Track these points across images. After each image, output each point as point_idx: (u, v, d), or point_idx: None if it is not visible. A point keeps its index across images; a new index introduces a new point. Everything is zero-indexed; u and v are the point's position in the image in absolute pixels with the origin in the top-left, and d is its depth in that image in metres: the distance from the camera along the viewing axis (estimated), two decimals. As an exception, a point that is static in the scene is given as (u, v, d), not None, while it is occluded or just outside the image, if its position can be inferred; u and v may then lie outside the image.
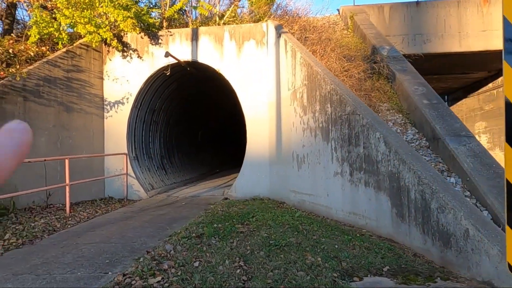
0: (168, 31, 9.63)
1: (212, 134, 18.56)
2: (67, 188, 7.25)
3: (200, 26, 9.89)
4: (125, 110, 9.68)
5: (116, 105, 9.70)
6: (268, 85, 9.12)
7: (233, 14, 10.51)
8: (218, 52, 9.45)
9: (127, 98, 9.67)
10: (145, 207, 8.01)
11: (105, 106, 9.75)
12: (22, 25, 13.47)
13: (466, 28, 15.26)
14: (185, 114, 13.84)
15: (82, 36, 9.38)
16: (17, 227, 6.09)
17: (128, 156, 9.55)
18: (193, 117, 15.12)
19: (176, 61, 9.41)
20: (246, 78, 9.31)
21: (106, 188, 9.60)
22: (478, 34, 15.30)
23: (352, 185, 5.82)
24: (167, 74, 9.51)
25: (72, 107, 8.87)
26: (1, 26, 12.01)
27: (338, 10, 16.17)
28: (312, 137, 7.04)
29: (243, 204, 7.79)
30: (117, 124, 9.69)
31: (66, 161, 7.24)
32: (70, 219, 6.87)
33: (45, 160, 6.84)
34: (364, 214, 5.56)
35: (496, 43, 14.52)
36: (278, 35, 8.62)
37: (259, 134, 9.25)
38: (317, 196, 6.89)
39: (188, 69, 9.86)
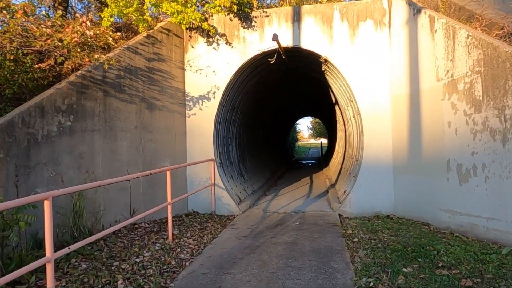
0: (263, 11, 7.94)
1: (268, 133, 16.91)
2: (169, 208, 5.66)
3: (301, 4, 8.17)
4: (211, 107, 8.05)
5: (200, 101, 8.08)
6: (393, 75, 7.35)
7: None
8: (326, 36, 7.71)
9: (214, 93, 8.04)
10: (255, 230, 6.37)
11: (187, 103, 8.14)
12: (72, 14, 12.03)
13: None
14: (256, 111, 12.20)
15: (162, 18, 7.80)
16: (122, 267, 4.51)
17: (215, 163, 7.94)
18: (261, 115, 13.48)
19: (276, 48, 7.73)
20: (362, 67, 7.55)
21: (190, 200, 8.00)
22: None
23: None
24: (272, 62, 7.83)
25: (154, 103, 7.29)
26: (53, 13, 10.57)
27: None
28: (496, 142, 5.24)
29: (387, 229, 6.05)
30: (201, 123, 8.07)
31: (168, 173, 5.64)
32: (178, 250, 5.27)
33: (150, 173, 5.24)
34: None
35: None
36: (415, 12, 6.83)
37: (379, 135, 7.50)
38: (508, 222, 5.10)
39: (283, 57, 8.16)
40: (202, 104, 8.07)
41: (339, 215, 7.43)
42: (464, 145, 5.79)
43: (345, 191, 8.37)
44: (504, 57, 5.13)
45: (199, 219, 7.24)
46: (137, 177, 5.03)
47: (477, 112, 5.56)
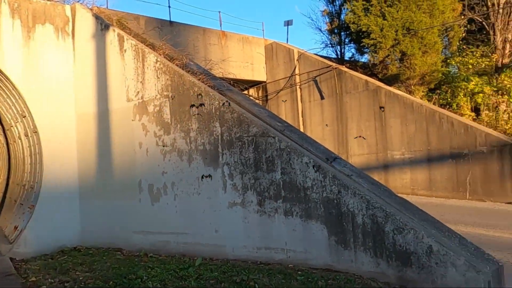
0: None
1: None
2: None
3: None
4: None
5: None
6: (78, 92, 6.68)
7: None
8: (-11, 32, 6.06)
9: None
10: None
11: None
12: None
13: (210, 55, 16.74)
14: None
15: None
16: None
17: None
18: None
19: None
20: (41, 79, 6.43)
21: None
22: (218, 62, 17.12)
23: (263, 216, 5.14)
24: None
25: None
26: None
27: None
28: (184, 162, 5.70)
29: (79, 265, 5.25)
30: None
31: None
32: None
33: None
34: (284, 247, 5.02)
35: (233, 71, 16.70)
36: (103, 27, 6.50)
37: (62, 157, 6.59)
38: (195, 234, 5.61)
39: None
40: None
41: (11, 259, 5.90)
42: (155, 165, 5.98)
43: (16, 227, 6.81)
44: (188, 85, 5.71)
45: None
46: None
47: (166, 134, 5.88)
